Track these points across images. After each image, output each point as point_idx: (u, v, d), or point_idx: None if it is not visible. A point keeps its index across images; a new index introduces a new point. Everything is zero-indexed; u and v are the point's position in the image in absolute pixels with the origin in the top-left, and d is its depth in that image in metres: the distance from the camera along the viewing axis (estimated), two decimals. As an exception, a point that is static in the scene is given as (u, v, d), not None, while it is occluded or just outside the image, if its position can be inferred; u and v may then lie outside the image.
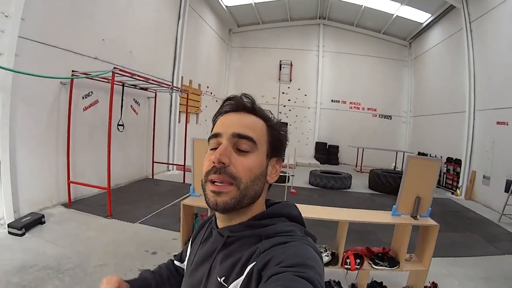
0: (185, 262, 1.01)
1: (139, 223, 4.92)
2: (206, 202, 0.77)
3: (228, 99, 0.82)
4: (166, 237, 4.44)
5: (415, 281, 3.00)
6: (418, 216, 2.78)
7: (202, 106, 12.06)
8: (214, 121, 0.84)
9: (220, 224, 0.84)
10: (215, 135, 0.79)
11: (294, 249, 0.68)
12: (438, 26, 12.13)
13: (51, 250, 3.76)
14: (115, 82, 6.15)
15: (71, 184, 5.54)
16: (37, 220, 4.46)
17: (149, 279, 1.01)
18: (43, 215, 4.61)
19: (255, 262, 0.68)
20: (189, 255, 0.96)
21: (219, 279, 0.74)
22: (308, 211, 2.81)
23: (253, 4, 13.02)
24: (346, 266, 2.76)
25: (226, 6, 13.01)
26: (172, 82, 9.34)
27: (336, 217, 2.77)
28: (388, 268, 2.76)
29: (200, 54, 12.09)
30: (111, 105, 5.09)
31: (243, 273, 0.69)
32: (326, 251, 2.80)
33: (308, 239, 0.74)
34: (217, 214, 0.84)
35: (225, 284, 0.72)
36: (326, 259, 2.75)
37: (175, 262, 1.09)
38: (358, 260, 2.77)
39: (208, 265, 0.80)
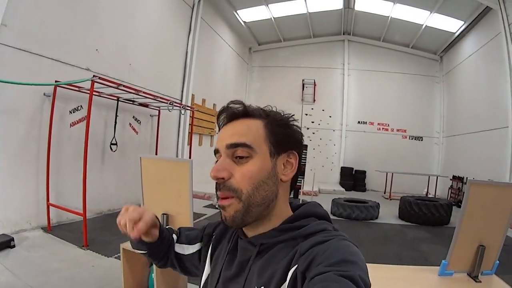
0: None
1: (115, 257, 4.13)
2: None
3: (220, 112, 0.82)
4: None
5: None
6: (479, 275, 1.79)
7: (217, 128, 11.41)
8: None
9: (249, 234, 0.80)
10: (215, 152, 0.79)
11: (334, 246, 0.66)
12: (472, 34, 10.93)
13: (3, 279, 3.19)
14: (106, 96, 5.62)
15: (50, 207, 4.94)
16: (4, 243, 3.95)
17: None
18: (13, 238, 4.05)
19: (297, 265, 0.66)
20: (212, 268, 0.88)
21: None
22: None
23: (272, 19, 12.42)
24: None
25: (244, 22, 12.51)
26: (181, 100, 8.74)
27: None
28: None
29: (216, 72, 11.53)
30: (89, 120, 4.44)
31: (286, 279, 0.67)
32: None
33: (344, 235, 0.73)
34: None
35: None
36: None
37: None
38: None
39: (242, 278, 0.75)
